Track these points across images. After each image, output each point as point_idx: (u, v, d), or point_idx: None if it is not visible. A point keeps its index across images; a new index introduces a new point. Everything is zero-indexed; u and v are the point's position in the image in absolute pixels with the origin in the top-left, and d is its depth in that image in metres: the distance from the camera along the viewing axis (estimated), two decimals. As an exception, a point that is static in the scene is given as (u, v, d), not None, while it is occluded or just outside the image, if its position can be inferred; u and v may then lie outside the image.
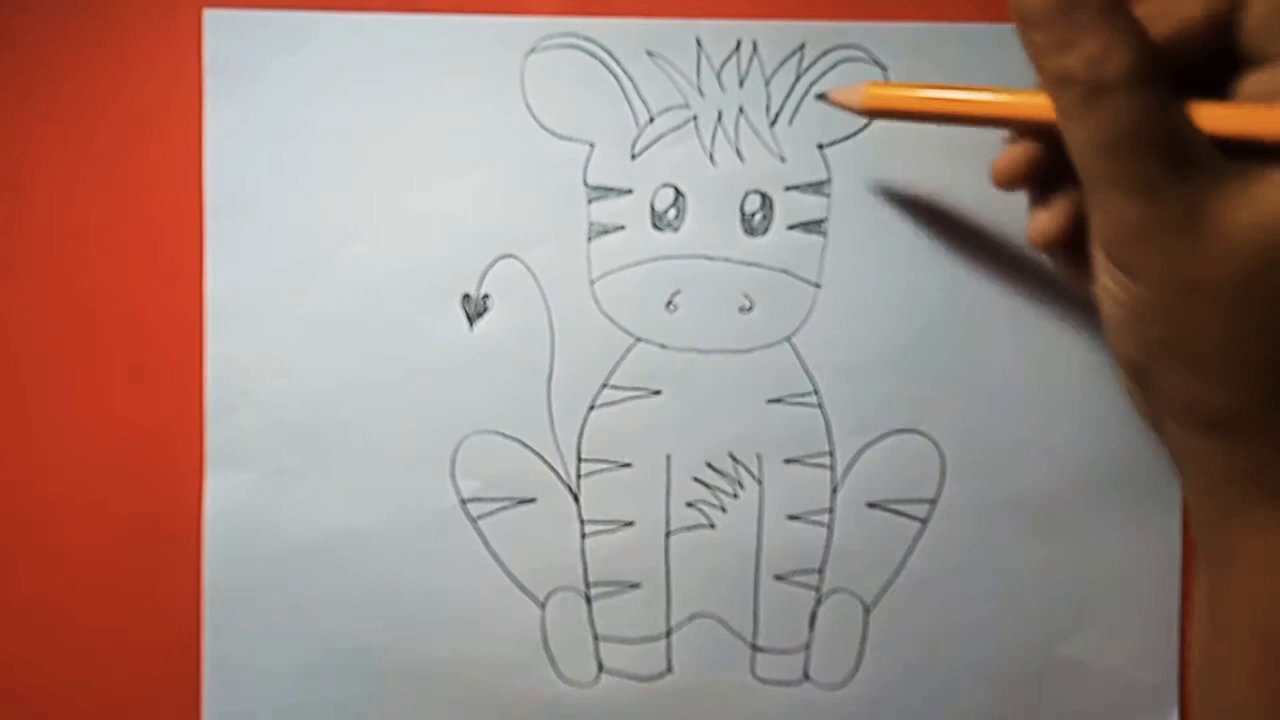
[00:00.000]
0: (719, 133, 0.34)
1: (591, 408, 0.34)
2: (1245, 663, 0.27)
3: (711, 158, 0.34)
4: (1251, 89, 0.25)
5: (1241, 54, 0.25)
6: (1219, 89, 0.25)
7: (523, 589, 0.34)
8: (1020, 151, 0.29)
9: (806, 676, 0.34)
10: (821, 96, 0.32)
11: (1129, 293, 0.26)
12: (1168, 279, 0.25)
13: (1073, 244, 0.28)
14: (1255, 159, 0.24)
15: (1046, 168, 0.28)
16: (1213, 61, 0.25)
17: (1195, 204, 0.24)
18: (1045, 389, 0.34)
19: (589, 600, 0.34)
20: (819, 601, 0.34)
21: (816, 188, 0.34)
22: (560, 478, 0.34)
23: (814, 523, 0.34)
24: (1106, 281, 0.26)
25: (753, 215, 0.34)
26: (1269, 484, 0.26)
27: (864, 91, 0.30)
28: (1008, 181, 0.29)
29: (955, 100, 0.28)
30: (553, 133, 0.34)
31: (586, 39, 0.34)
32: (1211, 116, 0.24)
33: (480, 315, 0.34)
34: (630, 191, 0.34)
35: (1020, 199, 0.32)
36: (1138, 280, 0.25)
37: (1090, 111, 0.24)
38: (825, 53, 0.34)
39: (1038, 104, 0.26)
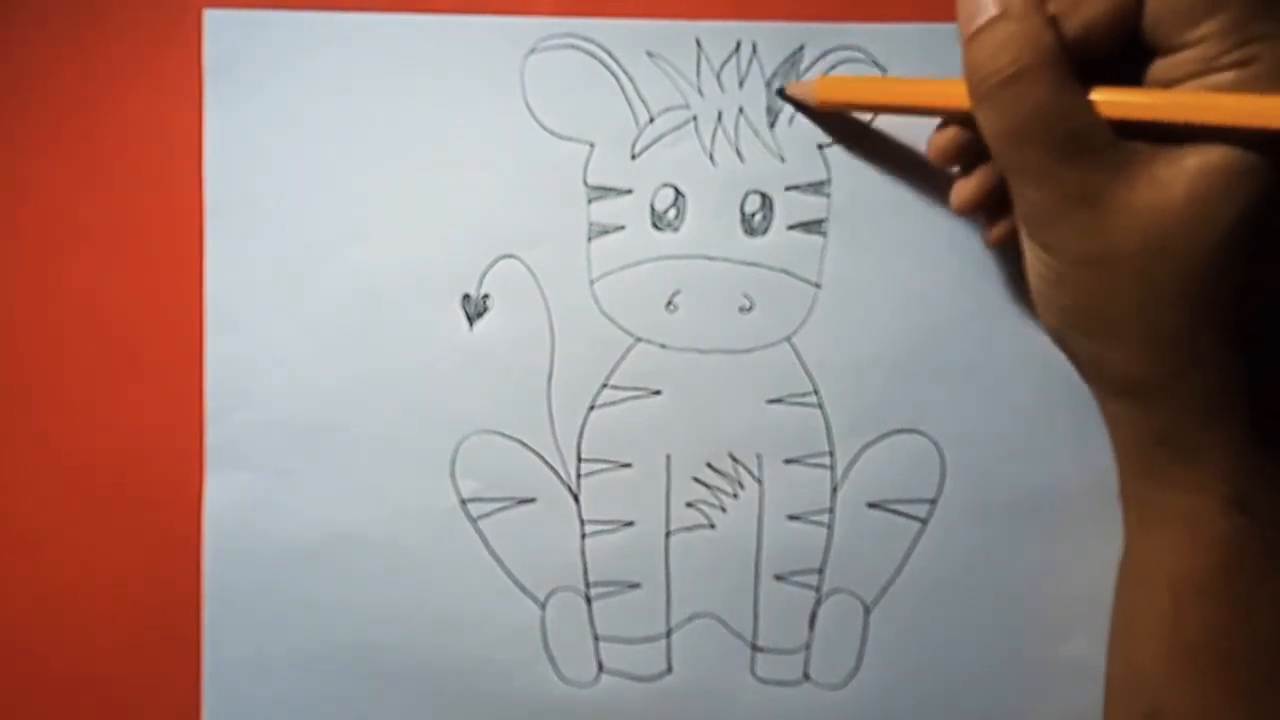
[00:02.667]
0: (719, 133, 0.34)
1: (591, 408, 0.34)
2: (1155, 611, 0.29)
3: (711, 158, 0.34)
4: (1157, 75, 0.26)
5: (1148, 44, 0.26)
6: (1138, 76, 0.27)
7: (523, 589, 0.34)
8: (947, 135, 0.31)
9: (806, 676, 0.34)
10: (780, 91, 0.34)
11: (1045, 265, 0.28)
12: (1074, 254, 0.27)
13: (994, 209, 0.31)
14: (1158, 140, 0.26)
15: (969, 149, 0.30)
16: (1130, 51, 0.27)
17: (1094, 187, 0.26)
18: (1045, 389, 0.34)
19: (589, 600, 0.34)
20: (819, 601, 0.34)
21: (816, 188, 0.34)
22: (560, 478, 0.34)
23: (814, 523, 0.34)
24: (1028, 255, 0.29)
25: (753, 215, 0.34)
26: (1180, 446, 0.28)
27: (817, 84, 0.32)
28: (940, 159, 0.31)
29: (898, 91, 0.31)
30: (553, 133, 0.34)
31: (586, 39, 0.34)
32: (1114, 103, 0.26)
33: (480, 315, 0.34)
34: (630, 191, 0.34)
35: None
36: (1050, 254, 0.27)
37: (991, 103, 0.27)
38: (825, 53, 0.34)
39: (955, 98, 0.28)
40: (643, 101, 0.34)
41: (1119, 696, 0.30)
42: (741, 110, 0.34)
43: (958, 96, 0.28)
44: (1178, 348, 0.27)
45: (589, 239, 0.34)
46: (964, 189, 0.31)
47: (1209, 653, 0.28)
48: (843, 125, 0.34)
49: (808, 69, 0.34)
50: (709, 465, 0.34)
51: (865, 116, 0.34)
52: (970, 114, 0.28)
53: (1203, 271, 0.25)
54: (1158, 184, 0.25)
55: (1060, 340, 0.29)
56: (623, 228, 0.34)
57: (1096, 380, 0.29)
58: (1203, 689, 0.28)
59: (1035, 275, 0.29)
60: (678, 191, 0.34)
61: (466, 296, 0.34)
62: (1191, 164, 0.25)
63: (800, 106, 0.34)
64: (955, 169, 0.32)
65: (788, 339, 0.34)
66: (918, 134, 0.34)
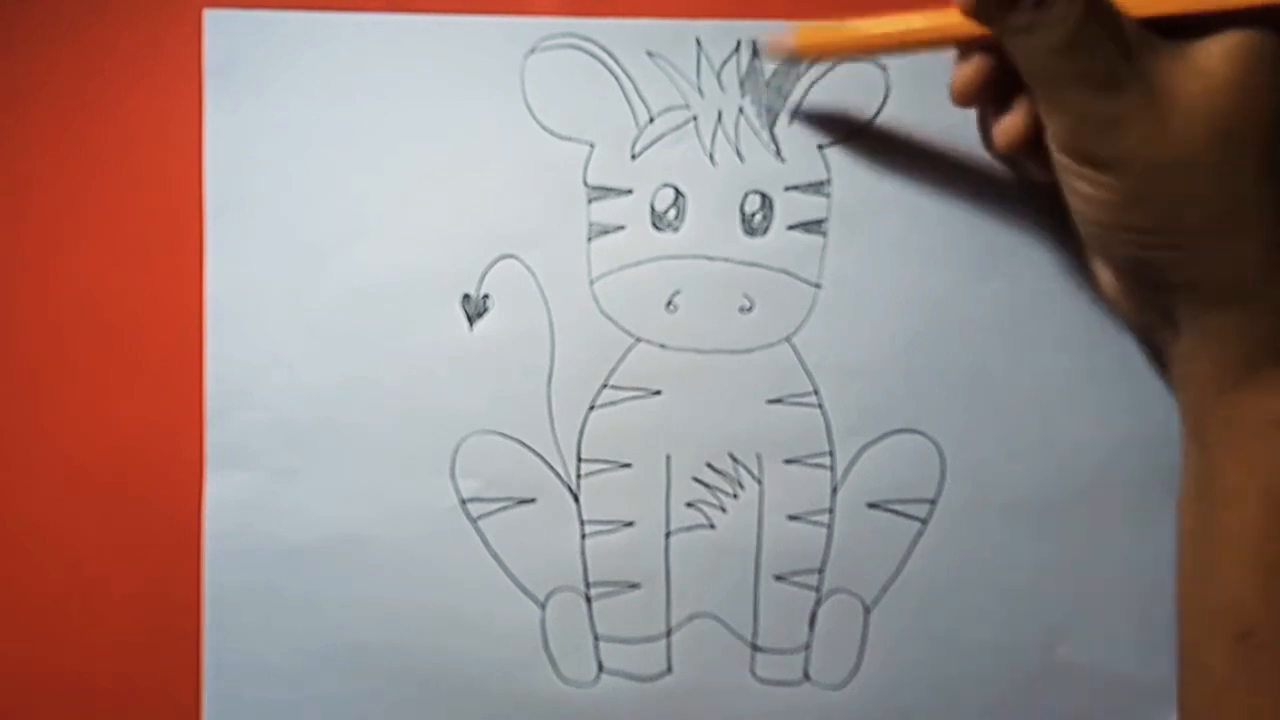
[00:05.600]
0: (719, 133, 0.34)
1: (591, 408, 0.34)
2: (1246, 529, 0.28)
3: (711, 158, 0.34)
4: None
5: None
6: None
7: (523, 589, 0.34)
8: (973, 68, 0.29)
9: (806, 676, 0.34)
10: (756, 55, 0.33)
11: (1107, 188, 0.27)
12: (1142, 165, 0.26)
13: (1038, 144, 0.29)
14: (1183, 35, 0.26)
15: (999, 78, 0.29)
16: None
17: (1155, 87, 0.26)
18: (1045, 389, 0.34)
19: (589, 600, 0.34)
20: (819, 601, 0.34)
21: (816, 188, 0.34)
22: (560, 478, 0.34)
23: (814, 523, 0.34)
24: (1079, 185, 0.28)
25: (753, 215, 0.34)
26: (1277, 347, 0.27)
27: (797, 33, 0.31)
28: (964, 98, 0.30)
29: (889, 29, 0.30)
30: (553, 133, 0.34)
31: (586, 39, 0.34)
32: (1133, 9, 0.26)
33: (480, 315, 0.34)
34: (630, 191, 0.34)
35: (1021, 199, 0.33)
36: (1113, 173, 0.27)
37: (1041, 15, 0.26)
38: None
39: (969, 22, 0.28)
40: (643, 101, 0.34)
41: (1204, 624, 0.30)
42: (741, 110, 0.34)
43: (968, 25, 0.27)
44: (1272, 231, 0.27)
45: (589, 239, 0.34)
46: (1009, 125, 0.29)
47: None
48: (842, 125, 0.34)
49: (808, 68, 0.34)
50: (709, 465, 0.34)
51: (866, 115, 0.34)
52: (987, 41, 0.27)
53: (1275, 146, 0.26)
54: (1202, 74, 0.26)
55: (1137, 269, 0.29)
56: (623, 228, 0.34)
57: (1188, 296, 0.28)
58: None
59: (1096, 207, 0.28)
60: (678, 191, 0.34)
61: (466, 296, 0.34)
62: (1221, 49, 0.26)
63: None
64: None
65: (788, 339, 0.34)
66: (919, 132, 0.34)
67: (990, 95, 0.30)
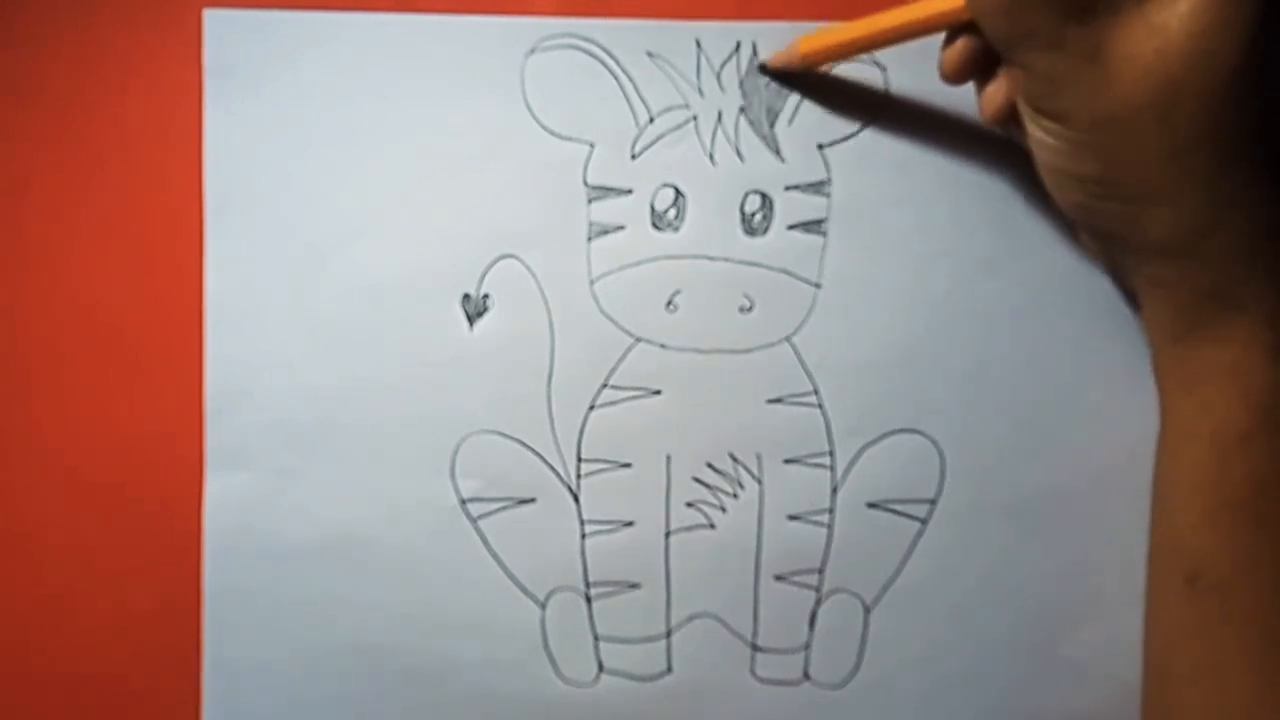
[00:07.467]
0: (719, 133, 0.34)
1: (591, 408, 0.34)
2: (1198, 469, 0.29)
3: (711, 158, 0.34)
4: None
5: None
6: None
7: (523, 589, 0.34)
8: (958, 48, 0.30)
9: (806, 676, 0.34)
10: (762, 68, 0.33)
11: (1059, 137, 0.28)
12: (1090, 117, 0.27)
13: (1018, 112, 0.30)
14: None
15: (982, 56, 0.30)
16: None
17: (1101, 43, 0.26)
18: (1046, 389, 0.34)
19: (589, 600, 0.34)
20: (819, 601, 0.34)
21: (816, 188, 0.34)
22: (560, 478, 0.34)
23: (814, 523, 0.34)
24: (1037, 133, 0.29)
25: (753, 215, 0.34)
26: (1223, 298, 0.28)
27: (800, 41, 0.32)
28: (954, 75, 0.31)
29: (880, 23, 0.31)
30: (553, 133, 0.34)
31: (586, 39, 0.34)
32: None
33: (480, 315, 0.34)
34: (630, 191, 0.34)
35: (1021, 199, 0.33)
36: (1061, 123, 0.28)
37: None
38: (825, 53, 0.34)
39: (947, 4, 0.29)
40: (643, 101, 0.34)
41: (1159, 564, 0.30)
42: (742, 110, 0.34)
43: (945, 1, 0.29)
44: (1212, 190, 0.27)
45: (589, 239, 0.34)
46: (993, 93, 0.30)
47: (1253, 505, 0.28)
48: (842, 125, 0.34)
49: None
50: (709, 465, 0.34)
51: (865, 115, 0.34)
52: (964, 17, 0.28)
53: (1221, 106, 0.26)
54: (1156, 30, 0.26)
55: (1087, 216, 0.30)
56: (623, 228, 0.34)
57: (1133, 246, 0.29)
58: (1245, 545, 0.28)
59: (1050, 153, 0.29)
60: (678, 191, 0.34)
61: (466, 296, 0.34)
62: (1186, 6, 0.26)
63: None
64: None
65: (788, 339, 0.34)
66: (919, 131, 0.34)
67: (975, 71, 0.31)
